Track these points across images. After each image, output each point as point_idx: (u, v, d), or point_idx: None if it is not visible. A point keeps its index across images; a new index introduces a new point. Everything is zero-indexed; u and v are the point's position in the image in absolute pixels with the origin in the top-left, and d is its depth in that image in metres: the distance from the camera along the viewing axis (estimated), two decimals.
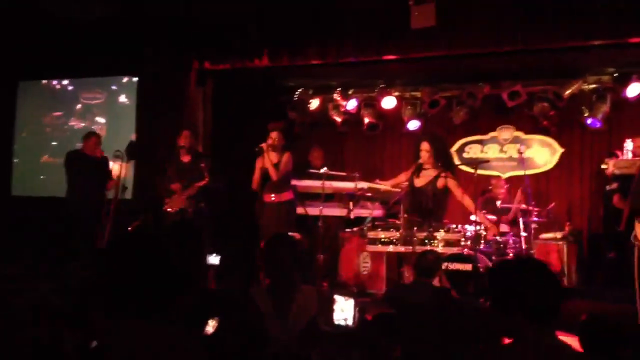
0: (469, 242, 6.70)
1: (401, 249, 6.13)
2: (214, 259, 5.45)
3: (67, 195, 7.13)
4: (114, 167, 7.11)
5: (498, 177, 8.23)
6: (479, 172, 6.71)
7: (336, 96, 9.10)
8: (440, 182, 6.19)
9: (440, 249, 5.88)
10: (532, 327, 2.14)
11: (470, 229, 6.31)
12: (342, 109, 9.12)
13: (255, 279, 6.50)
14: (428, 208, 6.19)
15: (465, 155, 8.81)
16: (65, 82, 9.10)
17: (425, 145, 6.27)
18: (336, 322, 2.10)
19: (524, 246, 7.14)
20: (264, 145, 6.49)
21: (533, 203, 7.23)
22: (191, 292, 2.93)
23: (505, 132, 8.72)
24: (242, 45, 7.66)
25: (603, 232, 7.65)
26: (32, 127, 9.22)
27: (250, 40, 7.57)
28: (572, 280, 7.17)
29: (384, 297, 4.97)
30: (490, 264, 6.18)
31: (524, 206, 7.30)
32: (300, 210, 7.19)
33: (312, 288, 3.47)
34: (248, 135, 7.63)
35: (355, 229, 7.45)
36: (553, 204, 7.64)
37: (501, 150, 8.71)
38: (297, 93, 9.29)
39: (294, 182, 7.19)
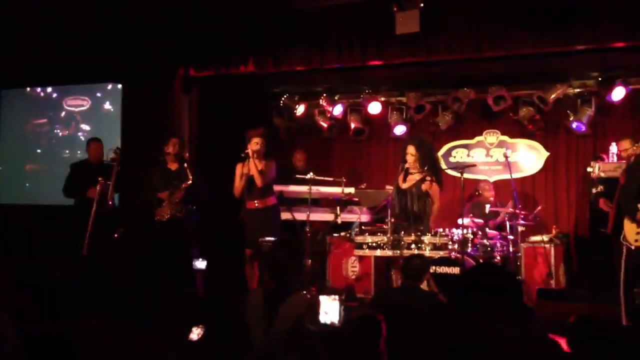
0: (456, 246, 6.71)
1: (389, 253, 6.12)
2: (200, 264, 5.42)
3: (74, 204, 7.04)
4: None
5: (486, 180, 8.26)
6: (466, 176, 6.72)
7: (322, 102, 9.10)
8: (424, 186, 6.20)
9: (427, 252, 5.88)
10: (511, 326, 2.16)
11: (457, 232, 6.31)
12: (328, 115, 9.12)
13: (243, 285, 6.48)
14: (413, 209, 6.19)
15: (451, 159, 8.83)
16: (49, 89, 9.02)
17: (411, 149, 6.27)
18: (322, 322, 2.09)
19: (511, 249, 7.17)
20: (249, 151, 6.46)
21: (520, 206, 7.26)
22: (175, 297, 2.90)
23: (491, 137, 8.76)
24: (226, 52, 7.65)
25: (589, 234, 7.69)
26: (16, 134, 9.13)
27: (234, 47, 7.56)
28: (560, 282, 7.19)
29: (371, 302, 4.95)
30: None
31: (511, 210, 7.33)
32: (287, 215, 7.17)
33: (300, 293, 3.45)
34: (234, 142, 7.60)
35: (342, 233, 7.45)
36: (540, 207, 7.67)
37: (487, 155, 8.74)
38: (282, 99, 9.28)
39: (280, 187, 7.18)
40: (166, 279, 2.09)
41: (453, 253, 6.60)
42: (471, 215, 7.55)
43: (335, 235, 7.53)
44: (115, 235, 6.48)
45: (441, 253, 6.07)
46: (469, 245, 6.37)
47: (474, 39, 6.73)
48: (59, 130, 8.93)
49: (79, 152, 8.35)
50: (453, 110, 8.59)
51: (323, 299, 2.08)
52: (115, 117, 8.49)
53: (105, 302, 1.97)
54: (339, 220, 7.01)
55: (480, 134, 8.82)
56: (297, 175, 7.26)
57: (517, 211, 7.20)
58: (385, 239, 6.12)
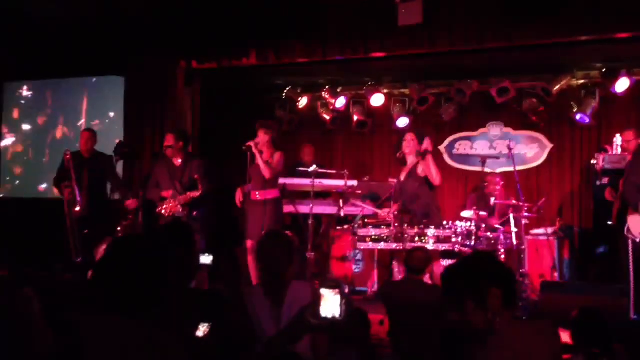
0: (460, 239, 6.69)
1: (392, 246, 6.11)
2: (206, 259, 5.41)
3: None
4: None
5: (492, 173, 8.20)
6: (470, 168, 6.70)
7: (325, 94, 9.07)
8: (419, 169, 6.21)
9: (431, 245, 5.86)
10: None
11: (461, 225, 6.29)
12: (331, 107, 9.10)
13: (243, 278, 6.46)
14: (415, 198, 6.20)
15: (455, 152, 8.80)
16: (50, 81, 9.00)
17: (410, 135, 6.34)
18: (323, 315, 2.06)
19: (514, 242, 7.14)
20: (251, 143, 6.35)
21: (523, 199, 7.22)
22: (181, 292, 2.89)
23: (495, 129, 8.72)
24: (228, 44, 7.61)
25: (593, 227, 7.65)
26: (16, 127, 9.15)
27: (236, 39, 7.52)
28: (564, 275, 7.17)
29: (376, 295, 4.95)
30: None
31: (514, 202, 7.29)
32: (290, 208, 7.15)
33: (305, 283, 3.43)
34: (236, 135, 7.58)
35: (346, 226, 7.43)
36: (543, 199, 7.63)
37: (491, 147, 8.70)
38: (285, 91, 9.25)
39: (284, 180, 7.13)
40: (172, 273, 2.07)
41: (457, 246, 6.58)
42: (475, 207, 7.51)
43: (339, 228, 7.51)
44: (119, 228, 6.49)
45: (445, 246, 6.06)
46: (473, 238, 6.33)
47: (477, 30, 6.68)
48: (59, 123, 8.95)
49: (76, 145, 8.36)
50: (456, 102, 8.55)
51: (325, 292, 2.05)
52: (118, 110, 8.47)
53: (110, 296, 1.95)
54: (342, 213, 6.99)
55: (484, 126, 8.78)
56: (300, 168, 7.23)
57: (521, 203, 7.16)
58: (388, 232, 6.11)
